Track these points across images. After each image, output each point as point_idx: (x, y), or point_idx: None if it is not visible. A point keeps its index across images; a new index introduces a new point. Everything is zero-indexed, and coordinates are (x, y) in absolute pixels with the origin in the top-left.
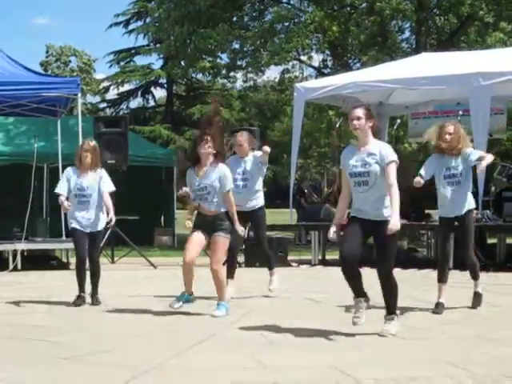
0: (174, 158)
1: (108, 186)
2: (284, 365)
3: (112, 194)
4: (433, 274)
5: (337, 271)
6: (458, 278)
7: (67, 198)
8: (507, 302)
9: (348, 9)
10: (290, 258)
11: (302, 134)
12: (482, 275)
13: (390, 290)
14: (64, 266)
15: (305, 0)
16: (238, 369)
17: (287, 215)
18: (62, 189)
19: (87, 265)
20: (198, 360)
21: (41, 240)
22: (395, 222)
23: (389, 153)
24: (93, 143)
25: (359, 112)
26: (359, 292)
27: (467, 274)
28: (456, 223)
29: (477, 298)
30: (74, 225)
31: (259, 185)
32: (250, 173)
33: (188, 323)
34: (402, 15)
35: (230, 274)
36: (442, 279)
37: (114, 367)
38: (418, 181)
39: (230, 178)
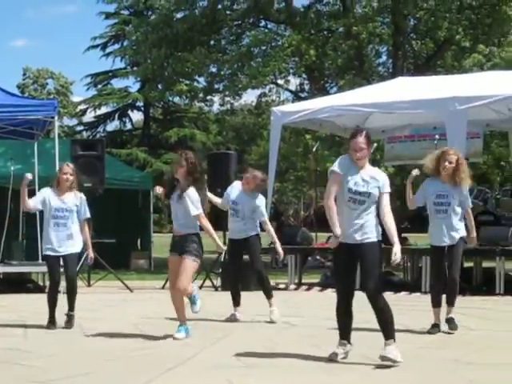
0: (150, 181)
1: (85, 212)
2: None
3: (88, 219)
4: (408, 297)
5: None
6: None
7: (42, 220)
8: (483, 325)
9: (325, 33)
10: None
11: (279, 158)
12: (459, 298)
13: (383, 313)
14: (40, 290)
15: (282, 24)
16: None
17: (264, 238)
18: (33, 199)
19: (62, 288)
20: None
21: (17, 263)
22: (398, 252)
23: (387, 182)
24: (72, 166)
25: (362, 143)
26: (346, 333)
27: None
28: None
29: (452, 323)
30: (47, 252)
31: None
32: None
33: (163, 347)
34: (378, 39)
35: (236, 302)
36: (437, 304)
37: None
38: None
39: (198, 202)
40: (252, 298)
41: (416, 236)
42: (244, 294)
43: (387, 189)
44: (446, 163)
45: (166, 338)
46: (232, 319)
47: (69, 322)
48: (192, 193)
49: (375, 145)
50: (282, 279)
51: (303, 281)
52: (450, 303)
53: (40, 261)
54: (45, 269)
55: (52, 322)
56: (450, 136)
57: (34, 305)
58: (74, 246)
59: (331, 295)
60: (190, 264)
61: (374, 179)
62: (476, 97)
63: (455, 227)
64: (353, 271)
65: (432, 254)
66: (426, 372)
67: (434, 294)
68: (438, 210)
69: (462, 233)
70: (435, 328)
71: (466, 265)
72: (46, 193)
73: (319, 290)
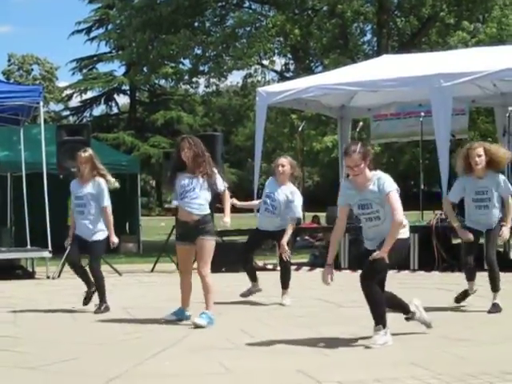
0: (138, 164)
1: (102, 200)
2: (249, 370)
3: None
4: (397, 274)
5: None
6: (424, 279)
7: None
8: (474, 302)
9: (309, 12)
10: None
11: (265, 138)
12: (447, 275)
13: (372, 300)
14: (29, 276)
15: (266, 4)
16: (203, 375)
17: (252, 219)
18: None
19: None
20: (163, 366)
21: (5, 250)
22: (382, 251)
23: (386, 185)
24: (87, 154)
25: (355, 158)
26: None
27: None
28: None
29: (497, 307)
30: (75, 231)
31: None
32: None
33: (153, 330)
34: (363, 17)
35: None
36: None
37: (79, 376)
38: (447, 203)
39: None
40: (243, 280)
41: (404, 213)
42: (234, 276)
43: (387, 190)
44: (476, 158)
45: (155, 321)
46: (247, 294)
47: (97, 308)
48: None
49: (361, 123)
50: (270, 260)
51: (292, 261)
52: (494, 289)
53: (29, 246)
54: (34, 254)
55: (87, 293)
56: (435, 113)
57: (23, 291)
58: (93, 234)
59: (320, 275)
60: (212, 245)
61: (373, 193)
62: (461, 73)
63: (495, 217)
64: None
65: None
66: (417, 350)
67: (467, 271)
68: (478, 206)
69: (499, 216)
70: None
71: (455, 241)
72: (71, 187)
73: (308, 270)
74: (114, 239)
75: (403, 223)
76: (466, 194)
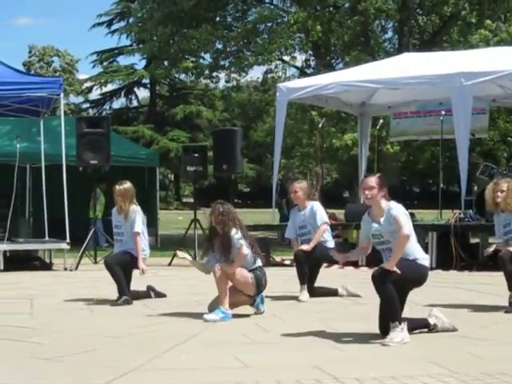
0: (156, 158)
1: (136, 226)
2: (266, 364)
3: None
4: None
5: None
6: (442, 278)
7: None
8: (489, 301)
9: (331, 9)
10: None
11: (285, 134)
12: (465, 274)
13: (387, 299)
14: (47, 267)
15: (287, 0)
16: (219, 369)
17: (270, 215)
18: None
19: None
20: (179, 360)
21: (23, 241)
22: (389, 264)
23: (395, 210)
24: (121, 187)
25: (372, 182)
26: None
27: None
28: None
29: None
30: None
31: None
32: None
33: (169, 324)
34: (385, 15)
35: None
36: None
37: (95, 368)
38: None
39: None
40: None
41: (422, 212)
42: None
43: (394, 213)
44: (499, 193)
45: (173, 314)
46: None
47: (116, 300)
48: (234, 235)
49: (381, 121)
50: (288, 255)
51: None
52: (510, 288)
53: (47, 238)
54: (52, 246)
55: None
56: (455, 112)
57: (41, 282)
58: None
59: (337, 272)
60: (247, 273)
61: (384, 221)
62: (482, 72)
63: None
64: None
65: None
66: (434, 348)
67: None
68: (507, 239)
69: None
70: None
71: (473, 241)
72: (112, 215)
73: (326, 266)
74: (143, 266)
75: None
76: (498, 230)
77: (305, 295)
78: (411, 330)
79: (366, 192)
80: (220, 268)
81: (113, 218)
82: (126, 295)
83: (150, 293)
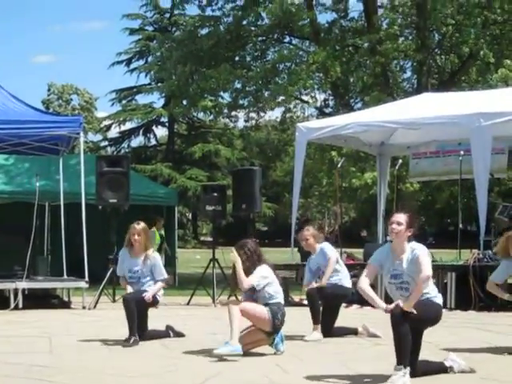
0: (175, 196)
1: (159, 274)
2: None
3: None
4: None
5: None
6: (461, 318)
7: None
8: (508, 342)
9: (350, 49)
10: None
11: (304, 174)
12: (484, 315)
13: (400, 338)
14: (65, 305)
15: (306, 40)
16: None
17: (288, 254)
18: (119, 271)
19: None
20: None
21: (42, 279)
22: (407, 304)
23: (419, 251)
24: (141, 225)
25: (401, 218)
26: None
27: (470, 314)
28: None
29: None
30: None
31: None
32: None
33: (188, 364)
34: (403, 54)
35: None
36: None
37: None
38: (491, 284)
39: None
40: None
41: (441, 252)
42: None
43: (418, 254)
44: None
45: (191, 354)
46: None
47: (126, 341)
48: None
49: (400, 161)
50: None
51: None
52: None
53: (65, 276)
54: (70, 284)
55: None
56: (474, 152)
57: (59, 320)
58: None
59: (356, 311)
60: (262, 308)
61: (406, 262)
62: (501, 113)
63: None
64: None
65: None
66: None
67: None
68: None
69: None
70: None
71: None
72: (122, 256)
73: (345, 307)
74: (149, 295)
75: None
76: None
77: (314, 335)
78: (424, 373)
79: (394, 226)
80: (234, 304)
81: (125, 263)
82: (135, 335)
83: (169, 332)
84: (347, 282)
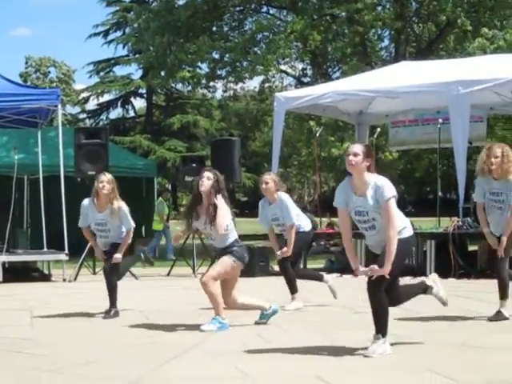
0: (154, 168)
1: (127, 223)
2: (267, 374)
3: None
4: (413, 281)
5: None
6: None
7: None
8: (489, 309)
9: (328, 18)
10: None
11: (283, 144)
12: (463, 282)
13: (377, 307)
14: (46, 278)
15: (284, 9)
16: (220, 379)
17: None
18: (82, 223)
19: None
20: (179, 371)
21: (22, 252)
22: (383, 270)
23: (385, 190)
24: (109, 176)
25: (357, 148)
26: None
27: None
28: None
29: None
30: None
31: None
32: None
33: (170, 334)
34: (381, 23)
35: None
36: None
37: (96, 379)
38: (479, 207)
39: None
40: (258, 284)
41: (420, 220)
42: (249, 281)
43: (386, 196)
44: (492, 159)
45: (172, 325)
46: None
47: (107, 313)
48: (221, 203)
49: (379, 129)
50: None
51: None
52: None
53: (45, 249)
54: (50, 257)
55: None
56: (453, 120)
57: (39, 293)
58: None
59: (336, 280)
60: (227, 260)
61: (368, 199)
62: (479, 80)
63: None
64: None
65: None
66: (432, 356)
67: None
68: (493, 205)
69: None
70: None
71: (471, 248)
72: (86, 207)
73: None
74: (118, 255)
75: (397, 233)
76: (485, 194)
77: (293, 304)
78: (410, 298)
79: (350, 158)
80: (203, 277)
81: (89, 215)
82: (116, 307)
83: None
84: (307, 226)
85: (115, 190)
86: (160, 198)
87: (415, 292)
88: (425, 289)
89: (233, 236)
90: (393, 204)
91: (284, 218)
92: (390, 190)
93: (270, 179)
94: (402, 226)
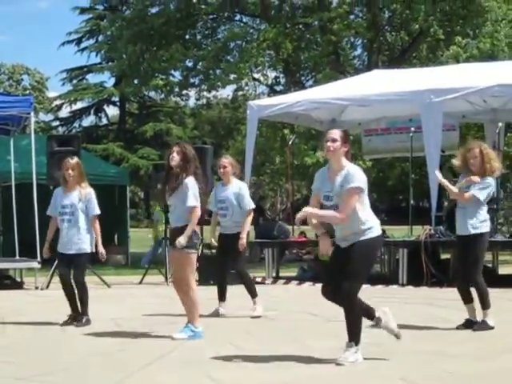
0: (127, 176)
1: (93, 209)
2: (238, 382)
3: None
4: (385, 289)
5: (290, 288)
6: (412, 294)
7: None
8: (462, 317)
9: (300, 26)
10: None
11: (256, 152)
12: (436, 291)
13: (350, 314)
14: (18, 286)
15: (257, 17)
16: None
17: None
18: (50, 210)
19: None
20: (150, 380)
21: None
22: (312, 215)
23: (351, 178)
24: (75, 160)
25: (335, 134)
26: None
27: (422, 289)
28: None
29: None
30: (58, 248)
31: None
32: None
33: (141, 342)
34: (354, 32)
35: (222, 297)
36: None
37: None
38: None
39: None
40: (232, 291)
41: (392, 228)
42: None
43: (349, 185)
44: (472, 160)
45: (144, 333)
46: (215, 314)
47: (78, 320)
48: (191, 183)
49: (351, 138)
50: (259, 273)
51: (280, 274)
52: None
53: (17, 257)
54: (22, 265)
55: (70, 317)
56: (425, 128)
57: (11, 301)
58: (78, 246)
59: (308, 289)
60: (184, 257)
61: (337, 184)
62: (451, 89)
63: (468, 223)
64: (336, 271)
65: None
66: (406, 365)
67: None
68: (458, 203)
69: (479, 229)
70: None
71: (443, 256)
72: (55, 193)
73: (297, 284)
74: (103, 250)
75: (361, 233)
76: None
77: (258, 310)
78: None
79: (329, 144)
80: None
81: (57, 199)
82: (87, 315)
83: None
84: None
85: (81, 174)
86: (158, 207)
87: (364, 312)
88: (372, 316)
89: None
90: (353, 195)
91: (232, 206)
92: (357, 181)
93: (228, 163)
94: (368, 225)
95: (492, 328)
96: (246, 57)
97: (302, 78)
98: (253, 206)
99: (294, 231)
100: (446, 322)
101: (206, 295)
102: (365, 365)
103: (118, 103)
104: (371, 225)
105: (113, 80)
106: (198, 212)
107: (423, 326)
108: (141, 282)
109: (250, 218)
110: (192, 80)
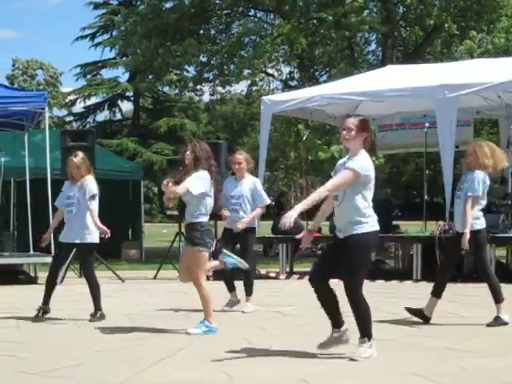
0: (141, 171)
1: (89, 192)
2: (252, 378)
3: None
4: (399, 285)
5: (304, 283)
6: (426, 290)
7: None
8: (475, 312)
9: (314, 21)
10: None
11: (270, 147)
12: (449, 286)
13: (357, 310)
14: (32, 281)
15: (271, 13)
16: (205, 382)
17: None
18: (58, 201)
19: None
20: (166, 374)
21: (8, 254)
22: (289, 215)
23: (355, 160)
24: (78, 157)
25: (351, 122)
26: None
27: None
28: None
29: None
30: (60, 237)
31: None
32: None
33: (156, 338)
34: (368, 27)
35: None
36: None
37: (81, 382)
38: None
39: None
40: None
41: (406, 224)
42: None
43: (347, 165)
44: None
45: (159, 328)
46: (231, 304)
47: (92, 315)
48: (195, 174)
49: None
50: (273, 268)
51: (294, 269)
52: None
53: (32, 252)
54: (36, 260)
55: (41, 309)
56: (439, 124)
57: (26, 296)
58: (82, 236)
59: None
60: (196, 255)
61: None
62: (466, 84)
63: (462, 216)
64: (330, 260)
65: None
66: (416, 360)
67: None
68: (456, 194)
69: (474, 226)
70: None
71: None
72: (64, 186)
73: (297, 278)
74: (104, 227)
75: (354, 228)
76: None
77: (249, 307)
78: (327, 308)
79: (344, 132)
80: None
81: (65, 191)
82: (101, 310)
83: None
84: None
85: (86, 167)
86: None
87: (334, 315)
88: (339, 325)
89: (202, 216)
90: (348, 173)
91: (248, 200)
92: (358, 165)
93: (243, 159)
94: (364, 219)
95: (506, 323)
96: (260, 52)
97: (316, 74)
98: (269, 201)
99: (307, 226)
100: (458, 318)
101: (220, 291)
102: (377, 360)
103: (132, 98)
104: (367, 219)
105: (127, 75)
106: (186, 188)
107: (435, 321)
108: (155, 277)
109: (261, 211)
110: (206, 75)
